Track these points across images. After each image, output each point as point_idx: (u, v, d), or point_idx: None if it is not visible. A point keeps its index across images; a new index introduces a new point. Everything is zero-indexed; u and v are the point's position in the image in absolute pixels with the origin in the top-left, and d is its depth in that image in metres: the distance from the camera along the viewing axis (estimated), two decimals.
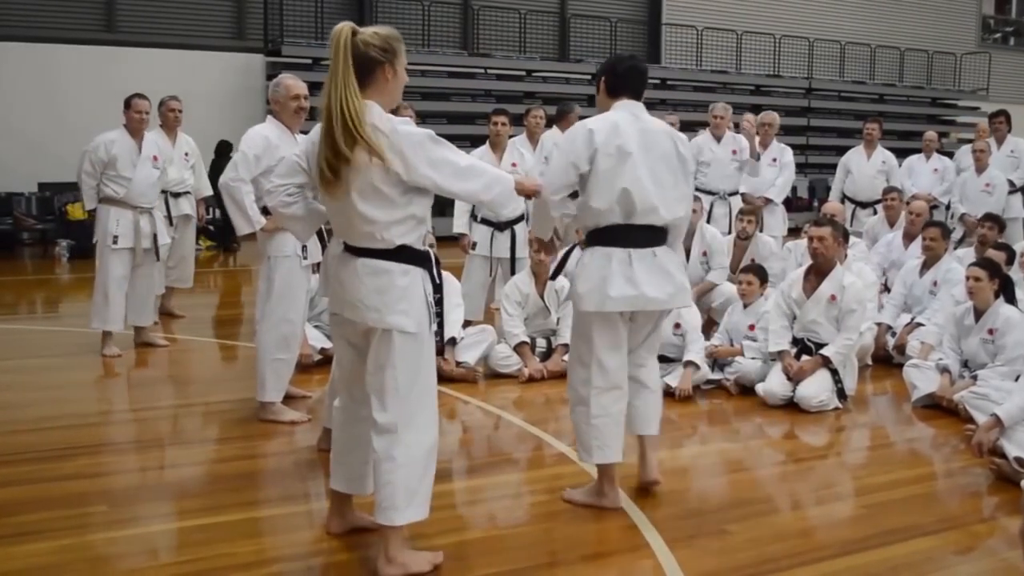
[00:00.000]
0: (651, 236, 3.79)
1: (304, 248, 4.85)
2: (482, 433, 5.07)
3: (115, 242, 6.52)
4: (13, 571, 3.26)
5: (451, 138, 3.19)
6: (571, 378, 3.97)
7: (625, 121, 3.78)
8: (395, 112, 3.24)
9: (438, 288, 3.25)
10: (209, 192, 8.18)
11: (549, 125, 8.12)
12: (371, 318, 3.14)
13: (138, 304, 6.77)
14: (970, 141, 10.19)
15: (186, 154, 7.85)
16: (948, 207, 9.39)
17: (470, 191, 3.19)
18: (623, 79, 3.90)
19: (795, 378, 5.51)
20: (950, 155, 10.39)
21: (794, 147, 9.67)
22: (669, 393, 5.65)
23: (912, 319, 6.61)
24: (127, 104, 6.64)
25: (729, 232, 7.84)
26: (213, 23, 14.88)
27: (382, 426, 3.14)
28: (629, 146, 3.73)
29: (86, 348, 6.59)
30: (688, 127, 9.95)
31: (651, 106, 3.97)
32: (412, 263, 3.16)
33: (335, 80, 3.02)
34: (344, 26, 3.08)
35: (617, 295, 3.73)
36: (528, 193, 3.57)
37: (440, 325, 3.29)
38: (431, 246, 3.37)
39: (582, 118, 8.88)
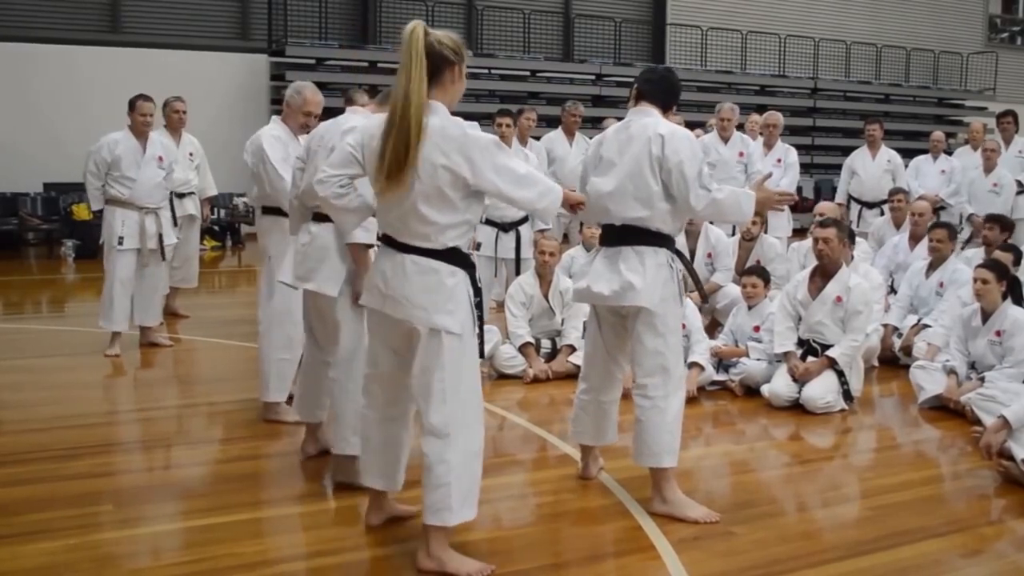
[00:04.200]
0: (618, 235, 3.85)
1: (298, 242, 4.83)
2: (487, 434, 5.00)
3: (121, 243, 6.54)
4: (21, 570, 3.27)
5: None
6: None
7: (618, 127, 3.94)
8: None
9: (478, 292, 3.27)
10: (213, 192, 8.18)
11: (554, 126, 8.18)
12: (417, 316, 3.15)
13: (144, 304, 6.78)
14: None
15: (190, 154, 7.86)
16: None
17: (526, 199, 3.22)
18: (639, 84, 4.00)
19: (801, 379, 5.50)
20: None
21: (799, 147, 9.65)
22: None
23: (918, 320, 6.59)
24: (131, 105, 6.64)
25: (734, 233, 7.82)
26: (217, 24, 14.88)
27: (433, 429, 3.15)
28: (600, 152, 3.94)
29: (92, 348, 6.60)
30: (692, 127, 9.94)
31: None
32: (459, 265, 3.19)
33: (409, 75, 3.04)
34: (417, 24, 3.12)
35: (575, 287, 4.12)
36: (573, 204, 3.57)
37: (482, 328, 3.30)
38: (477, 246, 3.42)
39: (586, 118, 9.02)
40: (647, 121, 3.82)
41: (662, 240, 3.82)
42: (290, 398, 5.10)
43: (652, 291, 3.76)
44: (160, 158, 6.72)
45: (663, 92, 3.93)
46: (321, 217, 3.99)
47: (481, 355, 3.37)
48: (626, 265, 3.79)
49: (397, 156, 3.04)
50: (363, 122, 3.84)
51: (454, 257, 3.19)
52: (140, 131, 6.65)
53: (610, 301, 3.87)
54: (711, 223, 7.74)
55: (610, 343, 4.04)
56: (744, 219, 3.91)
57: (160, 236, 6.70)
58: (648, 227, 3.79)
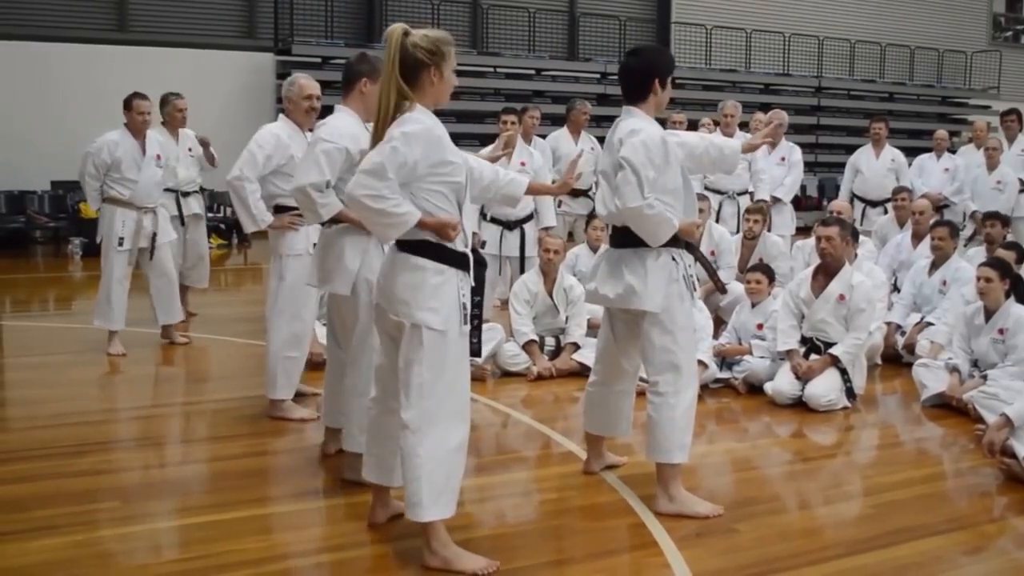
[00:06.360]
0: (621, 237, 3.88)
1: (315, 246, 4.87)
2: (491, 431, 5.08)
3: (121, 244, 6.54)
4: (26, 566, 3.29)
5: (460, 136, 3.22)
6: None
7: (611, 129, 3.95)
8: None
9: (478, 291, 3.28)
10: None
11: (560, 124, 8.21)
12: (401, 312, 3.20)
13: (164, 303, 6.81)
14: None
15: (189, 150, 7.78)
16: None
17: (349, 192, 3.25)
18: (623, 81, 3.93)
19: (804, 377, 5.51)
20: None
21: (803, 146, 9.64)
22: None
23: (921, 318, 6.60)
24: (127, 104, 6.58)
25: (738, 231, 7.83)
26: (224, 22, 14.92)
27: (407, 422, 3.19)
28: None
29: (98, 345, 6.62)
30: (696, 126, 9.97)
31: None
32: (448, 263, 3.22)
33: (383, 80, 3.17)
34: (396, 27, 3.19)
35: (587, 288, 4.12)
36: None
37: (478, 328, 3.31)
38: (482, 244, 3.46)
39: (593, 117, 9.05)
40: (623, 123, 3.85)
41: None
42: (298, 395, 5.14)
43: (653, 294, 3.78)
44: (158, 156, 6.69)
45: (630, 86, 3.88)
46: (332, 219, 4.05)
47: (477, 354, 3.38)
48: (628, 268, 3.83)
49: None
50: (336, 123, 4.05)
51: (442, 255, 3.21)
52: (138, 129, 6.58)
53: (615, 304, 3.92)
54: (716, 221, 7.78)
55: (621, 338, 4.07)
56: (655, 243, 3.78)
57: (154, 235, 6.69)
58: None
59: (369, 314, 3.86)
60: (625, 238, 3.86)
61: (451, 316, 3.20)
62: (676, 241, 3.86)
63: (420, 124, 3.13)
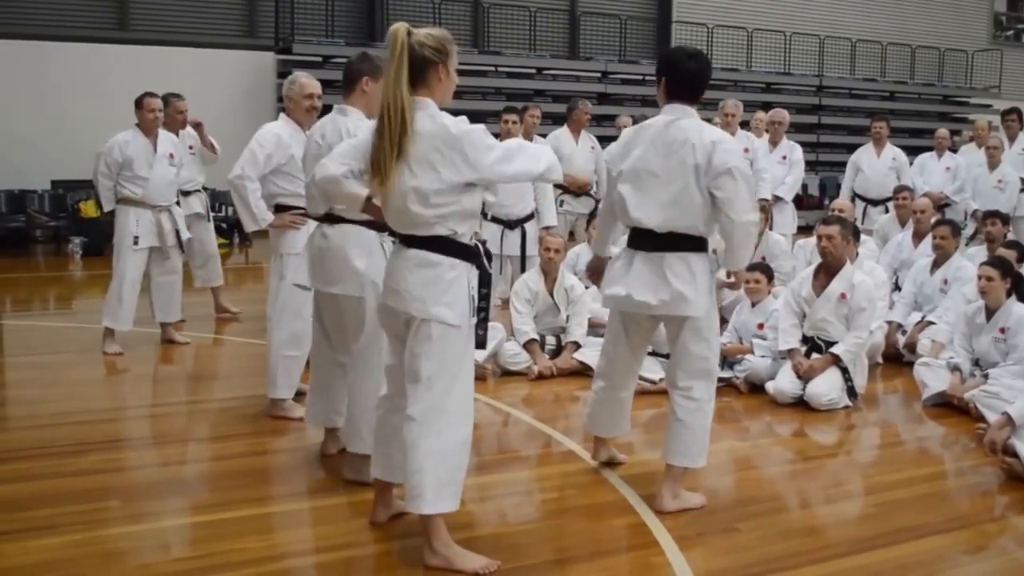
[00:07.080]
0: (659, 240, 3.75)
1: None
2: (491, 430, 5.08)
3: (135, 243, 6.54)
4: (27, 565, 3.29)
5: None
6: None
7: (654, 129, 3.78)
8: None
9: (486, 283, 3.29)
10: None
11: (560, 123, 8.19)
12: (415, 308, 3.20)
13: (165, 301, 6.81)
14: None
15: (190, 147, 7.77)
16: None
17: (524, 168, 3.24)
18: (682, 81, 3.81)
19: (805, 376, 5.51)
20: None
21: (805, 145, 9.63)
22: None
23: (923, 317, 6.59)
24: (139, 103, 6.61)
25: None
26: (225, 21, 14.91)
27: (414, 414, 3.19)
28: (635, 154, 3.79)
29: (99, 344, 6.61)
30: None
31: None
32: (461, 257, 3.23)
33: (390, 78, 3.13)
34: (400, 26, 3.19)
35: (609, 294, 3.90)
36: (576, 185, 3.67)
37: (485, 320, 3.31)
38: (483, 242, 3.44)
39: (594, 116, 9.03)
40: (687, 124, 3.71)
41: (704, 244, 3.79)
42: (299, 395, 5.14)
43: (701, 300, 3.72)
44: (171, 155, 6.72)
45: (690, 87, 3.79)
46: (334, 219, 4.02)
47: (483, 346, 3.38)
48: (673, 273, 3.71)
49: (383, 154, 3.14)
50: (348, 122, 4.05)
51: (456, 249, 3.22)
52: (149, 128, 6.60)
53: (658, 311, 3.78)
54: None
55: (636, 344, 4.03)
56: (738, 264, 3.81)
57: (177, 232, 6.72)
58: (694, 233, 3.73)
59: (375, 315, 3.85)
60: (665, 242, 3.72)
61: (464, 310, 3.21)
62: (707, 246, 3.81)
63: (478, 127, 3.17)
